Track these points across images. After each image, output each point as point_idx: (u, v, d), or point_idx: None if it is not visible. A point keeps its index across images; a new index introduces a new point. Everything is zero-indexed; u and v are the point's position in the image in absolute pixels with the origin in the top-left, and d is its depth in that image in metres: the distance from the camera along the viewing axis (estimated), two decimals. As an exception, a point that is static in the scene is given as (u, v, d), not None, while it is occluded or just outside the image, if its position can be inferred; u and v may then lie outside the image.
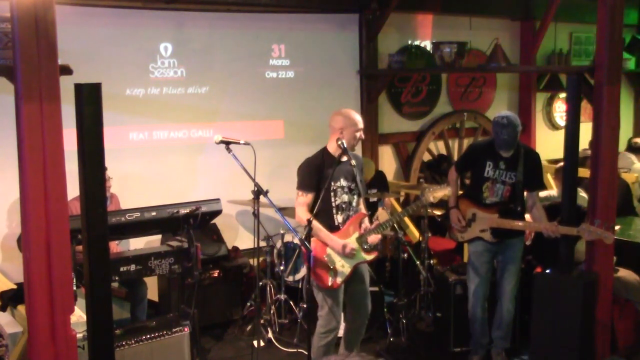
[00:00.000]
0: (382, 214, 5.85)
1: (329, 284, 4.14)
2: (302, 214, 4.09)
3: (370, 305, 4.42)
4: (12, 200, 5.06)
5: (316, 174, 4.12)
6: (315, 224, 4.08)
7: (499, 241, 4.61)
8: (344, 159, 4.19)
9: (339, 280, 4.17)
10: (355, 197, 4.28)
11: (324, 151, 4.23)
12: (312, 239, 4.15)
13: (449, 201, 4.83)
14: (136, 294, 5.03)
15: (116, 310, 4.82)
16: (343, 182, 4.19)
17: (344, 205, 4.21)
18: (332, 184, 4.15)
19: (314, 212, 4.02)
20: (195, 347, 4.39)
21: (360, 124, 4.21)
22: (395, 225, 4.71)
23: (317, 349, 4.19)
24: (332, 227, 4.18)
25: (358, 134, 4.20)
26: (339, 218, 4.20)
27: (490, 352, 4.86)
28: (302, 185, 4.16)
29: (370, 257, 4.28)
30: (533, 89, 8.11)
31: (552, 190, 5.91)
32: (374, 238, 4.25)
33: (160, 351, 4.00)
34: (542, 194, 5.62)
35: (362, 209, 4.37)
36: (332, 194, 4.16)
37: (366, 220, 4.33)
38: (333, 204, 4.18)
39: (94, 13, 5.37)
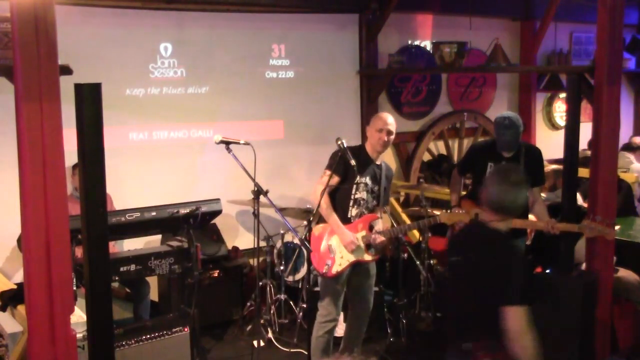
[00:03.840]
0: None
1: (323, 270, 4.22)
2: (319, 193, 4.12)
3: (372, 302, 4.45)
4: (12, 200, 5.05)
5: (349, 162, 4.12)
6: (330, 209, 4.19)
7: None
8: (378, 162, 4.33)
9: (334, 270, 4.22)
10: (374, 200, 4.34)
11: (362, 147, 4.37)
12: (319, 225, 4.22)
13: (452, 201, 4.85)
14: (138, 293, 5.03)
15: (117, 310, 4.82)
16: (368, 180, 4.28)
17: (361, 201, 4.29)
18: (358, 177, 4.21)
19: (323, 195, 4.08)
20: (195, 347, 4.38)
21: (382, 125, 4.26)
22: (400, 234, 4.76)
23: (317, 338, 4.24)
24: (344, 219, 4.27)
25: (378, 135, 4.25)
26: (353, 211, 4.28)
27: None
28: (332, 167, 4.20)
29: (370, 257, 4.33)
30: (533, 89, 8.11)
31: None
32: (379, 240, 4.27)
33: (160, 351, 4.00)
34: None
35: (379, 214, 4.41)
36: (354, 186, 4.23)
37: (379, 222, 4.36)
38: (352, 197, 4.26)
39: (94, 13, 5.37)
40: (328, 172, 4.19)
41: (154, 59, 5.69)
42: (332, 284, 4.26)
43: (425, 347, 5.20)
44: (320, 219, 4.35)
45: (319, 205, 4.12)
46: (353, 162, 4.20)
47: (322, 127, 6.46)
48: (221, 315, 5.59)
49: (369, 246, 4.29)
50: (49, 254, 2.88)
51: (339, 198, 4.27)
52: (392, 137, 4.34)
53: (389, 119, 4.32)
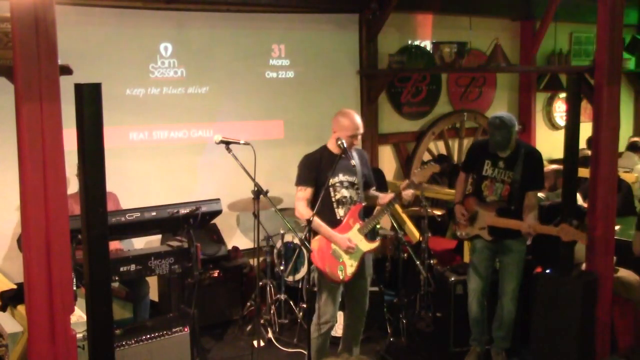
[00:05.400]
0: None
1: (341, 277, 4.19)
2: (302, 209, 4.14)
3: (368, 302, 4.45)
4: (12, 201, 5.06)
5: (314, 169, 4.17)
6: (317, 220, 4.11)
7: (496, 240, 4.62)
8: (344, 155, 4.23)
9: (349, 272, 4.21)
10: (359, 191, 4.31)
11: (324, 148, 4.30)
12: (317, 237, 4.19)
13: (455, 198, 4.88)
14: (137, 293, 5.03)
15: (117, 310, 4.82)
16: (342, 177, 4.23)
17: (344, 200, 4.26)
18: (330, 179, 4.18)
19: (316, 210, 4.02)
20: (195, 347, 4.38)
21: (354, 130, 4.19)
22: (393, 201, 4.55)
23: (313, 340, 4.22)
24: (335, 222, 4.23)
25: (350, 140, 4.19)
26: (340, 212, 4.26)
27: (490, 351, 4.87)
28: (301, 180, 4.21)
29: (373, 245, 4.31)
30: (533, 89, 8.12)
31: (540, 193, 5.91)
32: (408, 194, 4.23)
33: (160, 351, 4.01)
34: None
35: (379, 196, 4.40)
36: (331, 189, 4.20)
37: (380, 196, 4.35)
38: (333, 199, 4.23)
39: (94, 13, 5.37)
40: (300, 188, 4.19)
41: (154, 59, 5.69)
42: (329, 285, 4.24)
43: (425, 347, 5.20)
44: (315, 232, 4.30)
45: (309, 223, 3.98)
46: (354, 162, 4.20)
47: (322, 127, 6.42)
48: (221, 315, 5.59)
49: (366, 236, 4.27)
50: (49, 254, 2.88)
51: (321, 205, 4.13)
52: None
53: (360, 122, 4.22)
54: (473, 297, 4.76)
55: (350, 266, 4.20)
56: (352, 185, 4.27)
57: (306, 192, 4.18)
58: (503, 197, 4.62)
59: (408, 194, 4.25)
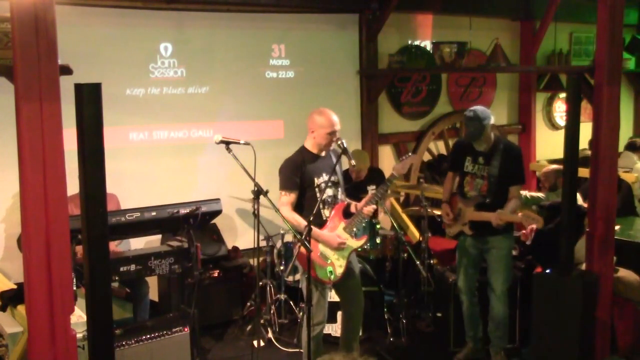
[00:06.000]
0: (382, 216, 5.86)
1: (331, 278, 4.17)
2: (288, 213, 4.11)
3: (363, 299, 4.44)
4: (12, 200, 5.06)
5: (297, 172, 4.16)
6: (304, 223, 4.08)
7: (478, 235, 4.63)
8: (323, 154, 4.25)
9: (338, 272, 4.20)
10: (340, 188, 4.31)
11: (303, 149, 4.29)
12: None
13: (443, 196, 4.91)
14: (137, 293, 5.03)
15: (117, 310, 4.82)
16: (325, 177, 4.22)
17: (329, 199, 4.25)
18: (315, 180, 4.18)
19: (315, 211, 4.00)
20: (195, 347, 4.39)
21: (331, 127, 4.16)
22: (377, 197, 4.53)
23: (306, 342, 4.22)
24: (321, 223, 4.22)
25: (330, 137, 4.16)
26: (326, 212, 4.25)
27: (489, 351, 4.87)
28: (285, 185, 4.18)
29: (360, 242, 4.31)
30: (533, 89, 8.12)
31: (540, 193, 5.92)
32: (370, 209, 4.23)
33: (160, 351, 4.01)
34: (532, 194, 5.79)
35: (343, 198, 4.40)
36: (316, 189, 4.19)
37: (352, 205, 4.34)
38: (319, 200, 4.19)
39: (94, 13, 5.37)
40: (284, 192, 4.17)
41: (154, 59, 5.69)
42: (320, 287, 4.21)
43: (425, 347, 5.20)
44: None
45: (309, 224, 3.94)
46: (354, 162, 4.19)
47: (322, 127, 6.45)
48: (221, 315, 5.59)
49: (351, 234, 4.25)
50: (49, 254, 2.88)
51: (308, 207, 4.15)
52: None
53: (336, 119, 4.21)
54: (461, 294, 4.81)
55: (339, 266, 4.20)
56: (335, 184, 4.27)
57: (290, 196, 4.16)
58: (482, 192, 4.65)
59: (369, 209, 4.24)
